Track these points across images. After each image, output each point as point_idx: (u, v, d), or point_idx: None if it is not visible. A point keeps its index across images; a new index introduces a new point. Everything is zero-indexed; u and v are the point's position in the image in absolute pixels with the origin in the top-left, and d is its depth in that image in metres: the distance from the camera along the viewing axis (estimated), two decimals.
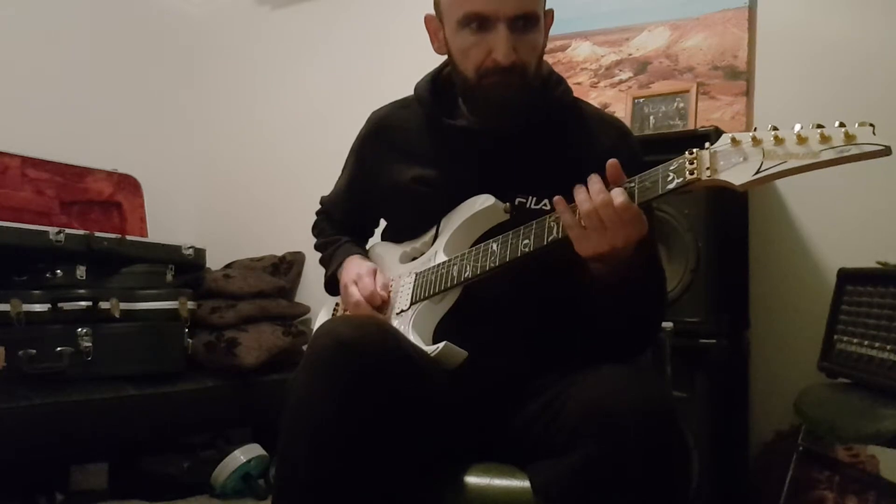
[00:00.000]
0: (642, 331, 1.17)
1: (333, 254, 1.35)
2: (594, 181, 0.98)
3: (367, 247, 1.39)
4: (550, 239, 1.01)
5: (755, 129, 0.88)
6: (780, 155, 0.84)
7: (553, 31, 1.22)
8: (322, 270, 1.40)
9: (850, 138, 0.80)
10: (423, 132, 1.26)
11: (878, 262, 1.55)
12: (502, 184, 1.16)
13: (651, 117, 2.09)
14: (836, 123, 0.82)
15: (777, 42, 2.01)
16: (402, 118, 1.30)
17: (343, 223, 1.43)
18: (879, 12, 1.88)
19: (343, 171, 1.42)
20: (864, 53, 1.88)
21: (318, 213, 1.50)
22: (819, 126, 0.83)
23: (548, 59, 1.25)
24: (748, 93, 2.03)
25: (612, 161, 0.97)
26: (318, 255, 1.44)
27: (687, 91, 2.06)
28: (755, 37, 2.04)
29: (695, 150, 0.91)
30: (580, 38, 2.28)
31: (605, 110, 1.65)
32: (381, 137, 1.31)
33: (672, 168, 0.93)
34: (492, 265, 1.07)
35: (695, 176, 0.90)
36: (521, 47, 1.10)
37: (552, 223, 1.02)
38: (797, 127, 0.84)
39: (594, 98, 2.21)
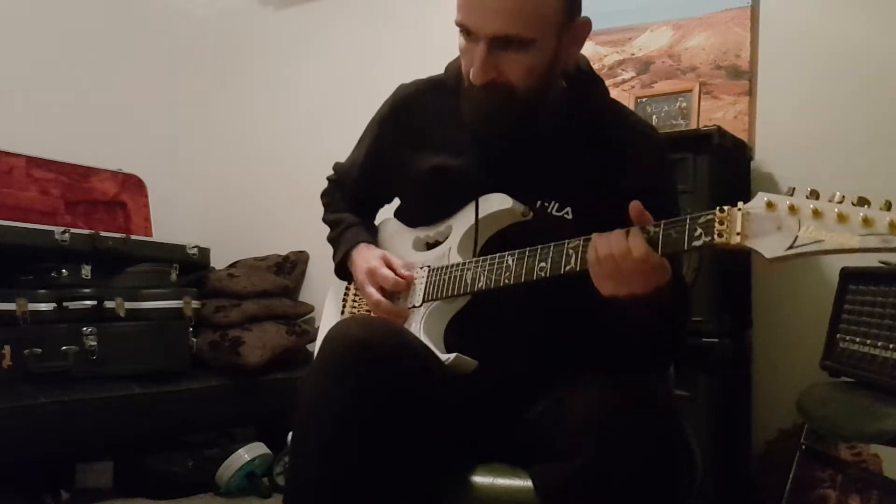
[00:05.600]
0: (660, 354, 1.14)
1: (340, 237, 1.32)
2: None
3: (378, 222, 1.37)
4: (567, 269, 0.98)
5: (792, 192, 0.80)
6: (817, 230, 0.77)
7: None
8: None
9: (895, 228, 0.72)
10: (446, 119, 1.18)
11: (881, 262, 1.55)
12: (524, 184, 1.11)
13: (654, 117, 2.09)
14: (882, 203, 0.74)
15: (779, 41, 2.01)
16: (427, 101, 1.24)
17: (354, 195, 1.39)
18: (883, 12, 1.88)
19: (360, 142, 1.36)
20: (867, 53, 1.88)
21: (329, 179, 1.45)
22: (863, 202, 0.75)
23: None
24: (751, 92, 2.03)
25: (634, 204, 0.92)
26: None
27: (689, 91, 2.06)
28: (758, 36, 2.04)
29: (726, 207, 0.85)
30: None
31: None
32: (403, 119, 1.26)
33: (700, 222, 0.87)
34: (506, 281, 1.05)
35: (724, 239, 0.84)
36: (506, 66, 1.04)
37: (571, 251, 0.98)
38: (837, 196, 0.77)
39: None
